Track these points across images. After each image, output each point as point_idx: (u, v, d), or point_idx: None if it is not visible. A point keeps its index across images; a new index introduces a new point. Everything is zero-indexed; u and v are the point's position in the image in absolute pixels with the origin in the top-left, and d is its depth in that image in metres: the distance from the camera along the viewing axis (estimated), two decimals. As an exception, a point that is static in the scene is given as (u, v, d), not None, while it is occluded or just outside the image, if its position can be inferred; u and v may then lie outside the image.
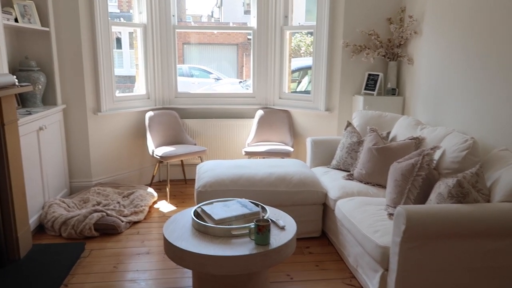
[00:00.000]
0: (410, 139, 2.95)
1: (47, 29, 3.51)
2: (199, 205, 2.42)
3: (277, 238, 2.10)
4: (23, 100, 3.44)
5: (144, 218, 3.47)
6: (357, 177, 3.09)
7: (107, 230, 3.13)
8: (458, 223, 1.96)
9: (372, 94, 3.92)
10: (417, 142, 2.91)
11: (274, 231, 2.18)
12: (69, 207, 3.30)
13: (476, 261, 2.02)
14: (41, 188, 3.23)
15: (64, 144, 3.73)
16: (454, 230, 1.96)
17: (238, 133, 4.59)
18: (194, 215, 2.27)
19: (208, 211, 2.26)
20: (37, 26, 3.40)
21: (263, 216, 2.28)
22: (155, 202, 3.83)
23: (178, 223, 2.28)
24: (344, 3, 3.88)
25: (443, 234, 1.96)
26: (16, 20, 3.19)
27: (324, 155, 3.60)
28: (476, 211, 1.99)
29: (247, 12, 15.43)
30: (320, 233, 3.16)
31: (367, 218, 2.40)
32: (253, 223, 2.04)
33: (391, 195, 2.49)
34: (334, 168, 3.42)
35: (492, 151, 2.45)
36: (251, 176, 3.07)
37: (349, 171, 3.30)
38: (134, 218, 3.34)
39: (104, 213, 3.15)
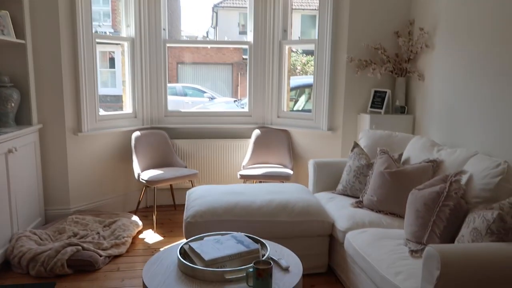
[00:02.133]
0: (426, 162, 2.62)
1: (22, 41, 3.18)
2: (187, 240, 2.05)
3: (280, 284, 1.73)
4: (-6, 119, 3.09)
5: (127, 251, 3.07)
6: (368, 204, 2.73)
7: (82, 267, 2.73)
8: (506, 267, 1.60)
9: (379, 113, 3.61)
10: (435, 165, 2.58)
11: (276, 273, 1.82)
12: (41, 239, 2.90)
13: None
14: (9, 218, 2.84)
15: (39, 168, 3.35)
16: (500, 275, 1.60)
17: (233, 155, 4.23)
18: (180, 254, 1.90)
19: (197, 250, 1.89)
20: (11, 38, 3.08)
21: (263, 255, 1.92)
22: (140, 232, 3.44)
23: (161, 264, 1.90)
24: (348, 15, 3.61)
25: (486, 281, 1.60)
26: (-14, 30, 2.87)
27: (328, 179, 3.25)
28: (522, 251, 1.64)
29: (242, 32, 15.28)
30: (326, 268, 2.78)
31: (385, 256, 2.04)
32: (251, 266, 1.67)
33: (411, 227, 2.14)
34: (340, 194, 3.07)
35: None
36: (248, 204, 2.72)
37: (357, 197, 2.95)
38: (114, 251, 2.94)
39: (80, 247, 2.75)
